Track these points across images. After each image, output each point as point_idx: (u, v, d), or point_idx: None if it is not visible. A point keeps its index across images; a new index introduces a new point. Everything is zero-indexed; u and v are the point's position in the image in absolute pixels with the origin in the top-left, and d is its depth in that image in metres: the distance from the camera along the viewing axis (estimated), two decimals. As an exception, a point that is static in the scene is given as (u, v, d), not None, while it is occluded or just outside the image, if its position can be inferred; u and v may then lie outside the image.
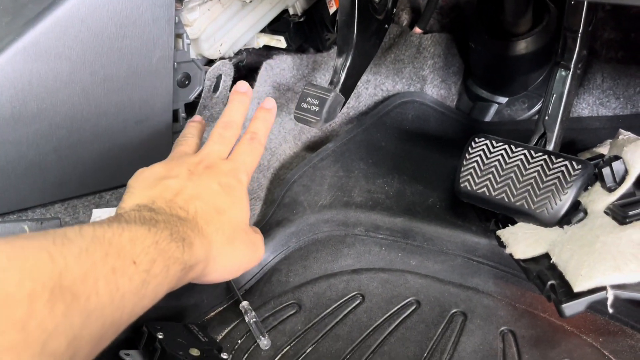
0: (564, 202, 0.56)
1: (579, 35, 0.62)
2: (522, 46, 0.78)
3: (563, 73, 0.64)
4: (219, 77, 0.79)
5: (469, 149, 0.62)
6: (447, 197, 0.70)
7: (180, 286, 0.47)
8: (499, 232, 0.62)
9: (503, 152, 0.60)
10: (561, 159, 0.57)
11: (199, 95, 0.77)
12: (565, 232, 0.57)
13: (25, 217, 0.67)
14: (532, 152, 0.59)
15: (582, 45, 0.63)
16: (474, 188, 0.60)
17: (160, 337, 0.50)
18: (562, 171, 0.57)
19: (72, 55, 0.60)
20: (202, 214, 0.50)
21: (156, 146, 0.61)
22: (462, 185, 0.61)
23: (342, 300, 0.61)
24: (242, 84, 0.63)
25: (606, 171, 0.57)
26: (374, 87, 0.89)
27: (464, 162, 0.62)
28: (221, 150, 0.58)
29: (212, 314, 0.60)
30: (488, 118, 0.86)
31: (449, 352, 0.55)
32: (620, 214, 0.54)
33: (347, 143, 0.79)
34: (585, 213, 0.57)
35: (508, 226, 0.62)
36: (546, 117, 0.64)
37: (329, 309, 0.60)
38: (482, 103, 0.87)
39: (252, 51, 0.91)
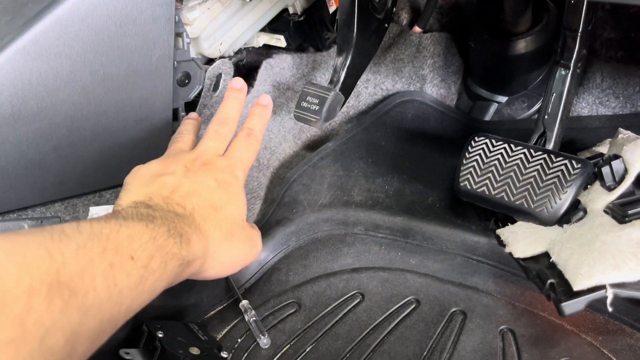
0: (564, 201, 0.56)
1: (579, 34, 0.62)
2: (522, 45, 0.78)
3: (563, 72, 0.64)
4: (218, 76, 0.79)
5: (469, 148, 0.62)
6: (447, 196, 0.70)
7: (178, 282, 0.47)
8: (499, 231, 0.62)
9: (503, 151, 0.60)
10: (561, 158, 0.57)
11: (199, 94, 0.77)
12: (564, 231, 0.57)
13: (25, 216, 0.67)
14: (531, 151, 0.59)
15: (581, 45, 0.63)
16: (474, 187, 0.60)
17: (160, 335, 0.50)
18: (561, 170, 0.57)
19: (72, 54, 0.60)
20: (199, 211, 0.51)
21: (156, 145, 0.61)
22: (461, 184, 0.61)
23: (342, 299, 0.61)
24: (238, 81, 0.63)
25: (606, 170, 0.57)
26: (373, 86, 0.89)
27: (464, 161, 0.62)
28: (217, 147, 0.58)
29: (212, 312, 0.60)
30: (488, 117, 0.86)
31: (449, 351, 0.55)
32: (619, 212, 0.54)
33: (347, 142, 0.79)
34: (585, 212, 0.57)
35: (508, 225, 0.62)
36: (546, 116, 0.64)
37: (329, 308, 0.60)
38: (481, 102, 0.87)
39: (252, 50, 0.91)
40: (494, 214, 0.64)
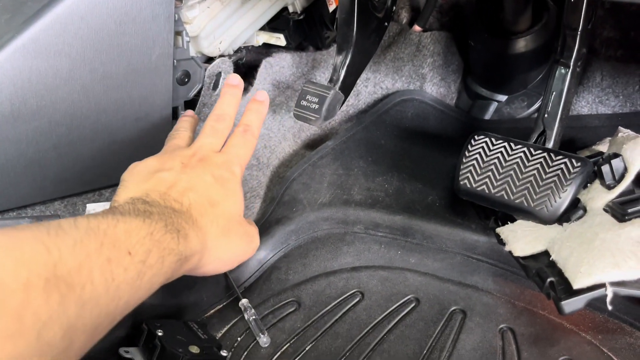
0: (564, 200, 0.56)
1: (579, 33, 0.62)
2: (522, 44, 0.78)
3: (562, 71, 0.64)
4: (218, 75, 0.79)
5: (469, 146, 0.62)
6: (447, 195, 0.70)
7: (175, 278, 0.47)
8: (499, 230, 0.62)
9: (502, 149, 0.60)
10: (560, 157, 0.58)
11: (199, 92, 0.77)
12: (564, 230, 0.57)
13: (24, 214, 0.67)
14: (531, 149, 0.59)
15: (581, 43, 0.63)
16: (474, 186, 0.60)
17: (160, 334, 0.50)
18: (561, 169, 0.57)
19: (71, 53, 0.60)
20: (196, 206, 0.51)
21: (156, 143, 0.61)
22: (461, 183, 0.61)
23: (342, 298, 0.61)
24: (234, 77, 0.63)
25: (605, 169, 0.57)
26: (373, 85, 0.89)
27: (464, 160, 0.62)
28: (214, 143, 0.58)
29: (212, 311, 0.60)
30: (487, 116, 0.86)
31: (448, 349, 0.55)
32: (619, 211, 0.54)
33: (347, 141, 0.79)
34: (585, 210, 0.57)
35: (507, 224, 0.62)
36: (545, 115, 0.64)
37: (329, 307, 0.60)
38: (481, 101, 0.87)
39: (251, 49, 0.91)
40: (494, 213, 0.64)
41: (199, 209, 0.51)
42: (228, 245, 0.53)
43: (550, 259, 0.55)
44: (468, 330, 0.57)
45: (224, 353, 0.54)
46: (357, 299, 0.61)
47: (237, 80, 0.63)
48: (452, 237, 0.65)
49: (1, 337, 0.30)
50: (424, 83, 0.89)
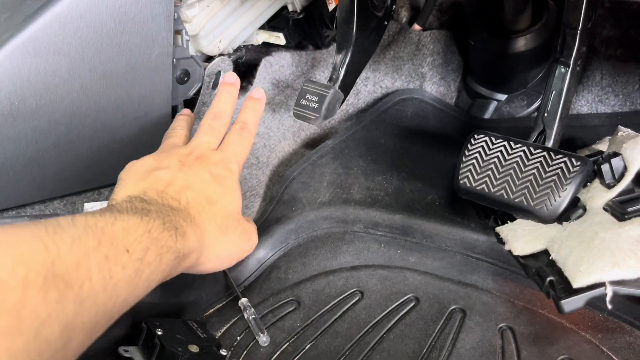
0: (563, 199, 0.56)
1: (578, 32, 0.62)
2: (522, 43, 0.78)
3: (562, 70, 0.64)
4: (218, 74, 0.79)
5: (468, 145, 0.62)
6: (446, 194, 0.70)
7: (173, 276, 0.47)
8: (498, 229, 0.62)
9: (502, 148, 0.60)
10: (560, 156, 0.57)
11: (198, 91, 0.77)
12: (564, 229, 0.57)
13: (23, 213, 0.67)
14: (531, 148, 0.59)
15: (581, 42, 0.63)
16: (473, 185, 0.60)
17: (159, 333, 0.50)
18: (561, 168, 0.57)
19: (71, 52, 0.60)
20: (193, 204, 0.51)
21: (155, 142, 0.61)
22: (461, 182, 0.61)
23: (341, 297, 0.61)
24: (231, 75, 0.64)
25: (605, 168, 0.57)
26: (373, 84, 0.89)
27: (463, 159, 0.62)
28: (211, 141, 0.58)
29: (211, 310, 0.60)
30: (487, 115, 0.86)
31: (448, 348, 0.55)
32: (619, 210, 0.54)
33: (346, 140, 0.79)
34: (584, 209, 0.57)
35: (507, 223, 0.62)
36: (545, 114, 0.64)
37: (328, 306, 0.60)
38: (481, 100, 0.87)
39: (251, 48, 0.91)
40: (494, 212, 0.64)
41: (197, 207, 0.51)
42: (226, 243, 0.53)
43: (550, 258, 0.55)
44: (468, 329, 0.57)
45: (223, 352, 0.54)
46: (357, 298, 0.61)
47: (233, 78, 0.63)
48: (451, 236, 0.65)
49: (0, 333, 0.30)
50: (423, 82, 0.89)
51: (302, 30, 0.91)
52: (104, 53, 0.62)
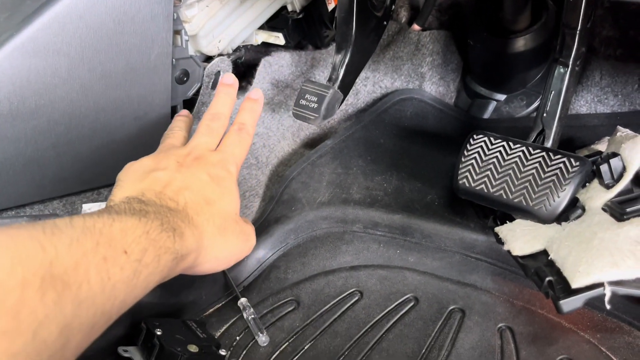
0: (562, 199, 0.56)
1: (578, 32, 0.62)
2: (521, 43, 0.78)
3: (561, 70, 0.64)
4: (217, 74, 0.79)
5: (467, 145, 0.62)
6: (446, 194, 0.70)
7: (172, 277, 0.47)
8: (497, 229, 0.62)
9: (501, 149, 0.61)
10: (559, 156, 0.58)
11: (198, 91, 0.77)
12: (563, 229, 0.57)
13: (23, 213, 0.67)
14: (530, 149, 0.59)
15: (580, 43, 0.63)
16: (472, 185, 0.60)
17: (158, 333, 0.50)
18: (560, 168, 0.57)
19: (70, 52, 0.60)
20: (191, 205, 0.51)
21: (154, 142, 0.61)
22: (460, 182, 0.61)
23: (341, 297, 0.61)
24: (229, 76, 0.64)
25: (604, 168, 0.57)
26: (372, 84, 0.89)
27: (462, 159, 0.62)
28: (209, 142, 0.58)
29: (211, 310, 0.60)
30: (486, 115, 0.86)
31: (447, 348, 0.55)
32: (618, 210, 0.54)
33: (346, 140, 0.79)
34: (583, 210, 0.57)
35: (506, 223, 0.62)
36: (544, 114, 0.64)
37: (327, 306, 0.60)
38: (480, 100, 0.87)
39: (250, 48, 0.91)
40: (493, 212, 0.64)
41: (195, 208, 0.51)
42: (224, 243, 0.53)
43: (549, 258, 0.55)
44: (467, 329, 0.57)
45: (222, 352, 0.54)
46: (356, 298, 0.61)
47: (231, 79, 0.63)
48: (451, 236, 0.65)
49: None
50: (423, 82, 0.89)
51: (301, 30, 0.91)
52: (103, 53, 0.62)
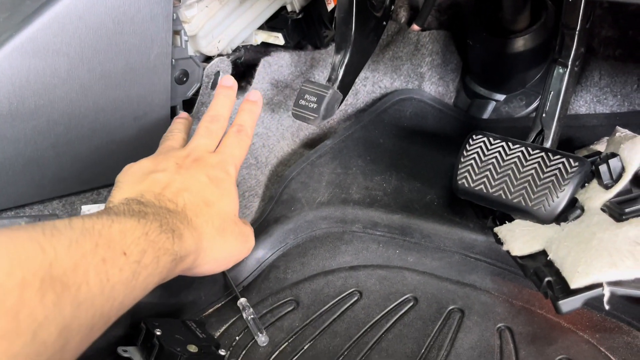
0: (561, 199, 0.56)
1: (577, 32, 0.62)
2: (520, 43, 0.78)
3: (561, 70, 0.64)
4: (216, 74, 0.79)
5: (467, 146, 0.62)
6: (445, 194, 0.70)
7: (171, 278, 0.47)
8: (497, 229, 0.62)
9: (500, 149, 0.61)
10: (558, 156, 0.58)
11: (197, 92, 0.77)
12: (562, 229, 0.57)
13: (22, 213, 0.67)
14: (529, 149, 0.59)
15: (579, 43, 0.63)
16: (472, 185, 0.61)
17: (158, 333, 0.50)
18: (559, 168, 0.57)
19: (70, 52, 0.60)
20: (191, 206, 0.51)
21: (154, 143, 0.61)
22: (459, 182, 0.61)
23: (340, 297, 0.61)
24: (228, 78, 0.64)
25: (603, 168, 0.57)
26: (372, 84, 0.90)
27: (462, 159, 0.62)
28: (208, 144, 0.58)
29: (210, 310, 0.60)
30: (486, 115, 0.86)
31: (446, 348, 0.55)
32: (616, 211, 0.54)
33: (345, 140, 0.79)
34: (582, 210, 0.57)
35: (505, 223, 0.62)
36: (544, 115, 0.64)
37: (327, 306, 0.60)
38: (479, 100, 0.87)
39: (250, 48, 0.91)
40: (492, 212, 0.64)
41: (194, 209, 0.51)
42: (223, 245, 0.53)
43: (548, 258, 0.55)
44: (466, 329, 0.57)
45: (222, 352, 0.54)
46: (356, 298, 0.61)
47: (230, 81, 0.64)
48: (450, 236, 0.65)
49: None
50: (422, 82, 0.89)
51: (301, 30, 0.91)
52: (102, 53, 0.62)
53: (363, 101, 0.89)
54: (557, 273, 0.53)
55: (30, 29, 0.57)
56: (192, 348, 0.50)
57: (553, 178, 0.56)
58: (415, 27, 0.91)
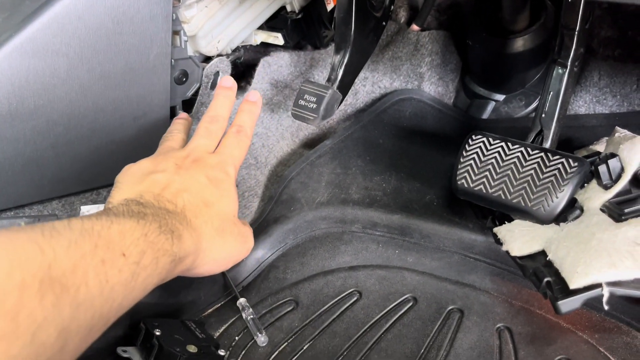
0: (561, 200, 0.56)
1: (576, 32, 0.62)
2: (520, 44, 0.78)
3: (560, 71, 0.64)
4: (216, 74, 0.79)
5: (466, 146, 0.62)
6: (444, 194, 0.70)
7: (170, 279, 0.47)
8: (496, 230, 0.62)
9: (500, 149, 0.61)
10: (558, 157, 0.58)
11: (197, 92, 0.77)
12: (561, 230, 0.57)
13: (22, 213, 0.67)
14: (528, 149, 0.59)
15: (579, 43, 0.63)
16: (471, 185, 0.61)
17: (157, 333, 0.50)
18: (558, 169, 0.57)
19: (69, 52, 0.60)
20: (190, 207, 0.51)
21: (153, 143, 0.61)
22: (459, 182, 0.61)
23: (339, 297, 0.61)
24: (227, 79, 0.64)
25: (602, 169, 0.57)
26: (371, 84, 0.90)
27: (461, 160, 0.62)
28: (208, 144, 0.58)
29: (210, 310, 0.60)
30: (485, 115, 0.86)
31: (446, 348, 0.56)
32: (616, 211, 0.54)
33: (345, 140, 0.79)
34: (582, 210, 0.57)
35: (505, 223, 0.62)
36: (543, 115, 0.64)
37: (326, 306, 0.60)
38: (479, 100, 0.87)
39: (249, 48, 0.91)
40: (491, 212, 0.64)
41: (193, 210, 0.51)
42: (222, 245, 0.53)
43: (547, 258, 0.55)
44: (465, 329, 0.57)
45: (221, 352, 0.54)
46: (355, 298, 0.61)
47: (230, 82, 0.64)
48: (449, 236, 0.65)
49: None
50: (422, 82, 0.89)
51: (300, 30, 0.91)
52: (102, 53, 0.62)
53: (362, 101, 0.89)
54: (556, 273, 0.53)
55: (29, 29, 0.57)
56: (192, 348, 0.50)
57: (552, 178, 0.57)
58: (414, 27, 0.91)
